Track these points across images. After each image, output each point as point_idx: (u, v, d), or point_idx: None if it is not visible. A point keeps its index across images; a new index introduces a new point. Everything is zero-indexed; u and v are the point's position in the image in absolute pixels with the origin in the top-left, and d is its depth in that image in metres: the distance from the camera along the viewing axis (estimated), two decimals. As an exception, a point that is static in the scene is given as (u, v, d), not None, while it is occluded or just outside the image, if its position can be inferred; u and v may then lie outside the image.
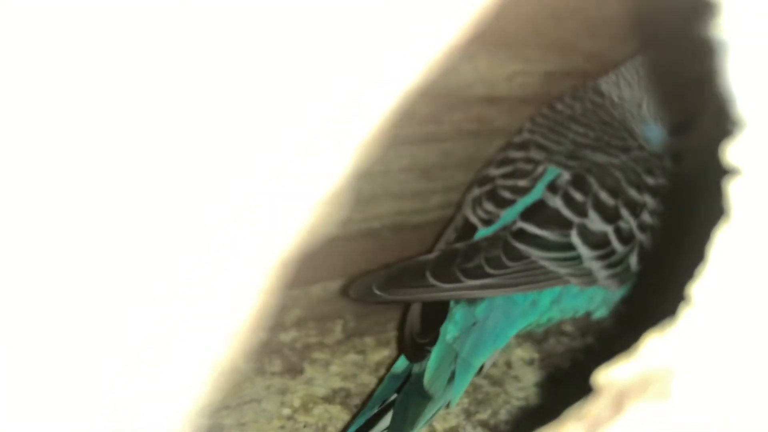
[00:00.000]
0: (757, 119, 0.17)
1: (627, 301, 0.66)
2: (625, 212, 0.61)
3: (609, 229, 0.60)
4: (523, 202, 0.62)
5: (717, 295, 0.19)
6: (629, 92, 0.67)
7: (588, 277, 0.61)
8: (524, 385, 0.61)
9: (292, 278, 0.73)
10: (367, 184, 0.68)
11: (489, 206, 0.63)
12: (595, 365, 0.21)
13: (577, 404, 0.23)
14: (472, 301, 0.59)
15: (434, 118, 0.69)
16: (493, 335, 0.59)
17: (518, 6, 0.69)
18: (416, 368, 0.57)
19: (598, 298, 0.64)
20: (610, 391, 0.21)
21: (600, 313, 0.65)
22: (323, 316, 0.65)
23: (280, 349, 0.61)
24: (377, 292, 0.56)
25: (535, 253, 0.59)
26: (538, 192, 0.62)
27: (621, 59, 0.72)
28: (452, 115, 0.70)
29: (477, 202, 0.64)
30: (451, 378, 0.56)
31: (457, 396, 0.56)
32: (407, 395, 0.55)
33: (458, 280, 0.57)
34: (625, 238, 0.61)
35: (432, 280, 0.57)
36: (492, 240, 0.59)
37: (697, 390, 0.19)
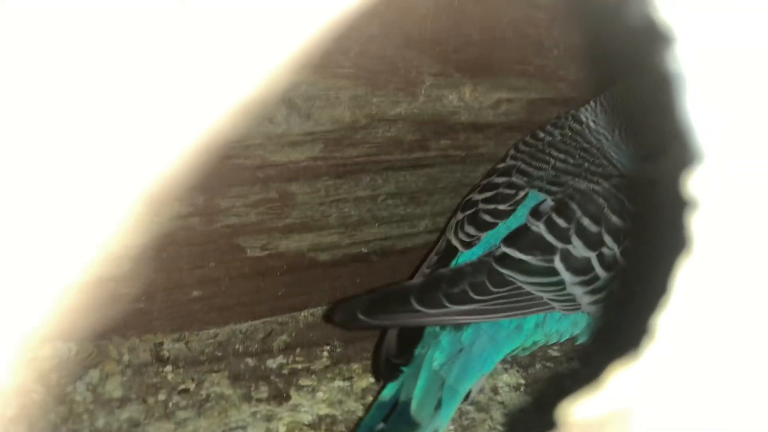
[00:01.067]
0: (717, 151, 0.18)
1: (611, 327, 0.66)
2: (608, 239, 0.62)
3: (592, 256, 0.61)
4: (505, 225, 0.63)
5: (680, 329, 0.20)
6: (604, 118, 0.68)
7: (572, 303, 0.61)
8: (510, 411, 0.61)
9: (281, 305, 0.72)
10: (355, 209, 0.69)
11: (470, 229, 0.63)
12: (581, 390, 0.21)
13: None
14: (458, 327, 0.60)
15: (421, 145, 0.70)
16: (480, 361, 0.59)
17: (502, 36, 0.71)
18: (403, 396, 0.57)
19: (582, 324, 0.64)
20: (577, 428, 0.22)
21: (584, 338, 0.66)
22: (310, 342, 0.65)
23: (266, 376, 0.61)
24: (361, 317, 0.56)
25: (518, 278, 0.59)
26: (521, 216, 0.63)
27: (604, 86, 0.73)
28: (439, 142, 0.71)
29: (459, 226, 0.65)
30: (438, 405, 0.56)
31: (445, 423, 0.56)
32: (394, 423, 0.55)
33: (443, 306, 0.57)
34: (609, 264, 0.61)
35: (417, 306, 0.57)
36: (476, 265, 0.60)
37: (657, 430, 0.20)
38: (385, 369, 0.59)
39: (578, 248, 0.61)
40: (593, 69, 0.75)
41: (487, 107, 0.72)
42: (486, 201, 0.65)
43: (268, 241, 0.65)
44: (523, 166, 0.67)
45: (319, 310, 0.68)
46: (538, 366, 0.67)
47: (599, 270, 0.61)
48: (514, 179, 0.66)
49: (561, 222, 0.61)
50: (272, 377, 0.61)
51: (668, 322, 0.20)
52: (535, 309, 0.60)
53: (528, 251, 0.60)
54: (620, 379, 0.21)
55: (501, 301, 0.59)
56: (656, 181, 0.67)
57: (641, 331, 0.20)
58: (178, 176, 0.35)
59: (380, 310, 0.57)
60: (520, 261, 0.60)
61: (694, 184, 0.18)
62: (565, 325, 0.64)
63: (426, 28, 0.67)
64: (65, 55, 0.21)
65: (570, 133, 0.68)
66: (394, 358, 0.59)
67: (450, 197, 0.74)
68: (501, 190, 0.65)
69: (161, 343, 0.60)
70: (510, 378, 0.64)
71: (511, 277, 0.59)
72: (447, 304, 0.57)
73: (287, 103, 0.63)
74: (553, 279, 0.60)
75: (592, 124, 0.68)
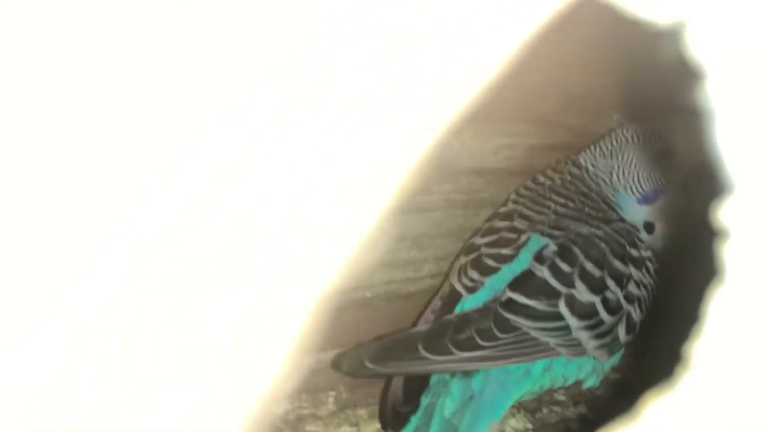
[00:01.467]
0: (745, 182, 0.19)
1: (618, 369, 0.66)
2: (611, 283, 0.62)
3: (596, 300, 0.62)
4: (509, 270, 0.63)
5: (715, 356, 0.20)
6: (602, 161, 0.69)
7: (577, 348, 0.61)
8: (519, 456, 0.60)
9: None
10: (359, 253, 0.69)
11: (473, 274, 0.64)
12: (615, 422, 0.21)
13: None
14: (467, 374, 0.59)
15: (424, 189, 0.71)
16: (491, 407, 0.59)
17: (502, 84, 0.72)
18: None
19: (588, 368, 0.64)
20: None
21: (590, 382, 0.65)
22: (316, 388, 0.64)
23: (272, 422, 0.60)
24: (369, 365, 0.56)
25: (524, 324, 0.59)
26: (524, 261, 0.63)
27: (603, 132, 0.75)
28: (441, 186, 0.72)
29: (462, 270, 0.65)
30: None
31: None
32: None
33: (450, 353, 0.57)
34: (613, 308, 0.62)
35: (424, 353, 0.57)
36: (482, 311, 0.60)
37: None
38: (392, 418, 0.58)
39: (582, 293, 0.61)
40: (592, 116, 0.77)
41: (488, 152, 0.73)
42: (488, 245, 0.66)
43: None
44: (524, 210, 0.67)
45: (323, 356, 0.68)
46: (544, 410, 0.66)
47: (604, 314, 0.62)
48: (515, 223, 0.66)
49: (564, 267, 0.62)
50: (278, 423, 0.60)
51: (703, 350, 0.20)
52: (542, 355, 0.60)
53: (534, 296, 0.60)
54: (655, 409, 0.21)
55: (508, 347, 0.59)
56: (653, 223, 0.68)
57: (675, 360, 0.21)
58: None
59: (388, 357, 0.57)
60: (526, 306, 0.60)
61: (724, 213, 0.19)
62: (571, 369, 0.64)
63: (429, 76, 0.68)
64: (65, 55, 0.21)
65: (569, 178, 0.69)
66: (400, 407, 0.59)
67: (452, 241, 0.75)
68: (503, 234, 0.66)
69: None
70: (517, 423, 0.64)
71: (517, 322, 0.59)
72: (455, 350, 0.58)
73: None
74: (559, 324, 0.60)
75: (590, 167, 0.69)
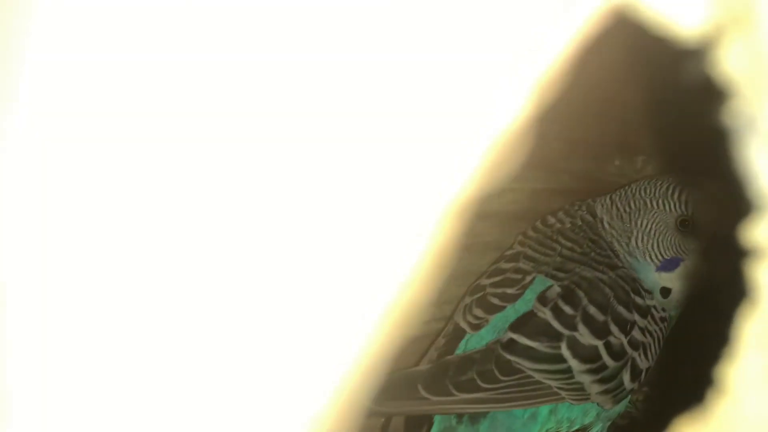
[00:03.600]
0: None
1: (626, 416, 0.65)
2: (614, 328, 0.62)
3: (599, 344, 0.61)
4: (513, 309, 0.63)
5: (746, 378, 0.20)
6: (620, 223, 0.69)
7: (580, 393, 0.61)
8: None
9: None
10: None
11: (478, 312, 0.64)
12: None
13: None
14: (474, 419, 0.59)
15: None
16: None
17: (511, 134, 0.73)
18: None
19: (592, 414, 0.63)
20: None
21: (596, 429, 0.64)
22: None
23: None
24: (368, 404, 0.55)
25: (526, 365, 0.59)
26: (528, 300, 0.63)
27: (605, 177, 0.75)
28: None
29: (467, 309, 0.65)
30: None
31: None
32: None
33: (451, 394, 0.57)
34: (616, 353, 0.61)
35: (424, 393, 0.57)
36: (484, 353, 0.60)
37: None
38: None
39: (585, 336, 0.61)
40: (596, 161, 0.77)
41: (492, 196, 0.74)
42: (494, 285, 0.66)
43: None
44: (530, 252, 0.68)
45: (324, 399, 0.67)
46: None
47: (607, 359, 0.61)
48: (521, 264, 0.67)
49: (567, 309, 0.61)
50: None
51: (736, 373, 0.20)
52: (545, 399, 0.60)
53: (535, 337, 0.60)
54: None
55: (510, 389, 0.58)
56: (671, 289, 0.67)
57: (706, 384, 0.20)
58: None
59: (387, 397, 0.57)
60: (528, 347, 0.60)
61: (756, 232, 0.19)
62: (576, 413, 0.63)
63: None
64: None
65: (581, 223, 0.69)
66: None
67: (456, 285, 0.74)
68: (508, 274, 0.66)
69: None
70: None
71: (518, 364, 0.59)
72: (455, 392, 0.57)
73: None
74: (561, 366, 0.60)
75: (606, 224, 0.69)
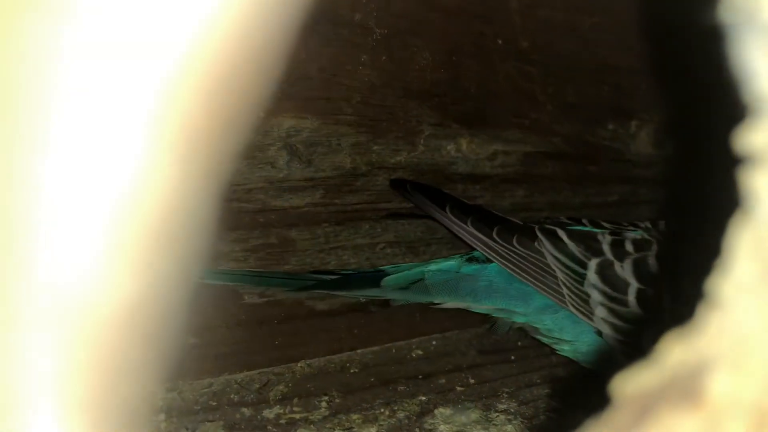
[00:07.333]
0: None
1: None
2: (650, 291, 0.59)
3: (634, 284, 0.59)
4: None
5: (739, 290, 0.19)
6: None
7: (582, 305, 0.59)
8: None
9: (277, 355, 0.70)
10: (354, 256, 0.68)
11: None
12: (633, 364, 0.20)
13: (594, 417, 0.22)
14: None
15: (419, 194, 0.70)
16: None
17: (498, 90, 0.73)
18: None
19: (584, 339, 0.63)
20: (632, 401, 0.21)
21: (569, 349, 0.64)
22: (308, 393, 0.63)
23: (263, 426, 0.58)
24: (409, 188, 0.65)
25: (547, 247, 0.61)
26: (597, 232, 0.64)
27: (598, 141, 0.75)
28: (437, 192, 0.71)
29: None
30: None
31: None
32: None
33: (464, 222, 0.63)
34: (643, 301, 0.59)
35: (446, 210, 0.64)
36: (526, 225, 0.64)
37: (734, 389, 0.19)
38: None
39: (626, 270, 0.59)
40: (588, 124, 0.77)
41: (483, 159, 0.73)
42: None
43: (267, 288, 0.64)
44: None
45: (316, 361, 0.66)
46: (542, 417, 0.65)
47: (632, 298, 0.59)
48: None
49: (630, 248, 0.61)
50: (269, 427, 0.58)
51: (727, 285, 0.19)
52: (542, 287, 0.61)
53: (577, 243, 0.61)
54: (678, 347, 0.20)
55: (514, 257, 0.61)
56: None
57: (695, 297, 0.20)
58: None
59: (421, 193, 0.65)
60: (562, 243, 0.61)
61: (747, 138, 0.18)
62: (566, 323, 0.63)
63: (425, 80, 0.68)
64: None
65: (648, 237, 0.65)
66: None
67: (447, 248, 0.74)
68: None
69: (153, 392, 0.58)
70: (515, 429, 0.62)
71: (541, 245, 0.61)
72: (467, 224, 0.63)
73: (289, 149, 0.63)
74: (576, 268, 0.60)
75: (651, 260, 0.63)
